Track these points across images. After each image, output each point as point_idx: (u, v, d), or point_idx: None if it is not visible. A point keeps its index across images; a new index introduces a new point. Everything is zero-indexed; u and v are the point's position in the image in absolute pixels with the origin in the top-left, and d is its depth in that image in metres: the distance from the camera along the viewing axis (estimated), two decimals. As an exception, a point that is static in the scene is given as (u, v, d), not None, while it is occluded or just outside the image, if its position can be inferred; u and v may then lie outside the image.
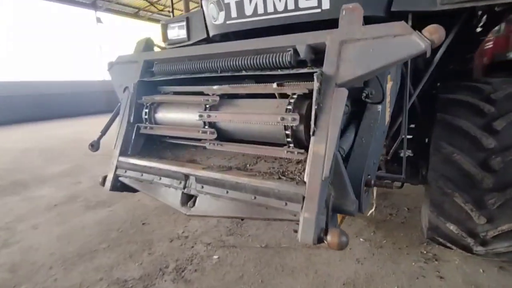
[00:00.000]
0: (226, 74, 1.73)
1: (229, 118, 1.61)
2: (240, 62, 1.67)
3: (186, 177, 1.65)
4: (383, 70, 1.28)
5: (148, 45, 2.17)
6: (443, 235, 2.37)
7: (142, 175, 1.83)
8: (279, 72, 1.55)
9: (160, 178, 1.75)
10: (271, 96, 1.71)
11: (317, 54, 1.49)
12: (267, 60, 1.58)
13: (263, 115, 1.50)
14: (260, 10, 2.26)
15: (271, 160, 1.70)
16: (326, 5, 2.03)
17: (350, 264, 2.69)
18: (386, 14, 2.04)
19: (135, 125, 2.00)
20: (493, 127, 2.14)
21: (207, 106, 1.69)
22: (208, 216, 1.74)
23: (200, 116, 1.68)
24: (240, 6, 2.33)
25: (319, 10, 2.06)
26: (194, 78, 1.95)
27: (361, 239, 3.09)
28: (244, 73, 1.69)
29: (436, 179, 2.32)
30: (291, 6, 2.14)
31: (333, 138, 1.26)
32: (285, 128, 1.44)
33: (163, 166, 1.72)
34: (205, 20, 2.83)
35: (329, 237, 1.19)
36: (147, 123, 1.97)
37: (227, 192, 1.49)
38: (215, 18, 2.53)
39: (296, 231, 1.27)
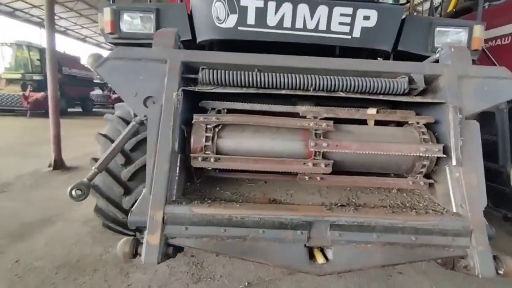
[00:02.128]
0: (322, 93, 1.48)
1: (356, 147, 1.37)
2: (340, 82, 1.48)
3: (310, 224, 1.26)
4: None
5: (176, 40, 1.53)
6: None
7: (225, 230, 1.24)
8: (398, 98, 1.48)
9: (264, 232, 1.25)
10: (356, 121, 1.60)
11: (427, 84, 1.54)
12: (376, 84, 1.48)
13: (401, 145, 1.38)
14: (287, 23, 2.07)
15: (367, 191, 1.58)
16: (357, 33, 2.10)
17: (336, 281, 2.79)
18: (392, 50, 2.33)
19: (178, 155, 1.35)
20: None
21: (318, 132, 1.38)
22: (352, 270, 1.37)
23: (315, 144, 1.34)
24: (261, 13, 2.05)
25: (349, 37, 2.11)
26: (250, 94, 1.55)
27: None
28: (341, 94, 1.50)
29: None
30: (322, 27, 2.08)
31: (481, 169, 1.33)
32: (422, 158, 1.39)
33: (266, 213, 1.25)
34: (190, 18, 2.27)
35: (505, 266, 1.23)
36: (209, 152, 1.37)
37: (377, 236, 1.25)
38: (221, 20, 2.09)
39: (466, 267, 1.24)
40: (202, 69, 1.50)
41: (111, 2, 2.43)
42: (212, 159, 1.40)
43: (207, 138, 1.41)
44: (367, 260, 1.29)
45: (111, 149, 1.34)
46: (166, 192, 1.26)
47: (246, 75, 1.48)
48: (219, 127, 1.46)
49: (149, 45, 2.33)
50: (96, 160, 2.80)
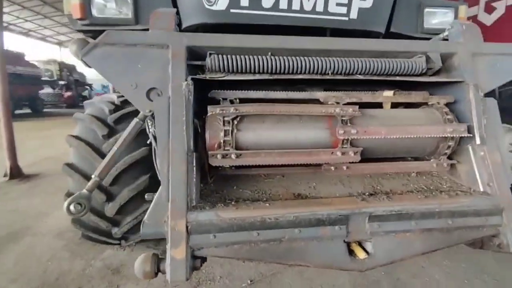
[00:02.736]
0: (339, 77, 1.38)
1: (385, 132, 1.29)
2: (358, 64, 1.39)
3: (347, 218, 1.17)
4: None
5: (176, 21, 1.33)
6: None
7: (258, 234, 1.11)
8: (416, 79, 1.43)
9: (300, 231, 1.13)
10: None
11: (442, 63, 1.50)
12: (394, 65, 1.41)
13: (428, 127, 1.33)
14: (283, 5, 1.94)
15: (387, 177, 1.53)
16: (354, 15, 2.02)
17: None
18: (385, 32, 2.30)
19: (194, 154, 1.19)
20: None
21: (345, 118, 1.28)
22: (394, 262, 1.28)
23: (344, 132, 1.25)
24: (256, -6, 1.89)
25: (346, 18, 2.03)
26: (256, 81, 1.42)
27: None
28: (359, 77, 1.41)
29: None
30: (319, 8, 1.98)
31: (503, 146, 1.33)
32: (448, 139, 1.35)
33: (301, 210, 1.14)
34: (174, 1, 2.04)
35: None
36: (229, 148, 1.22)
37: (415, 224, 1.20)
38: (212, 2, 1.90)
39: (499, 245, 1.24)
40: (210, 54, 1.32)
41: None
42: (233, 156, 1.25)
43: (225, 132, 1.25)
44: (407, 250, 1.24)
45: (111, 154, 1.13)
46: (186, 197, 1.10)
47: (259, 59, 1.34)
48: (237, 119, 1.31)
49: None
50: (69, 165, 2.50)
